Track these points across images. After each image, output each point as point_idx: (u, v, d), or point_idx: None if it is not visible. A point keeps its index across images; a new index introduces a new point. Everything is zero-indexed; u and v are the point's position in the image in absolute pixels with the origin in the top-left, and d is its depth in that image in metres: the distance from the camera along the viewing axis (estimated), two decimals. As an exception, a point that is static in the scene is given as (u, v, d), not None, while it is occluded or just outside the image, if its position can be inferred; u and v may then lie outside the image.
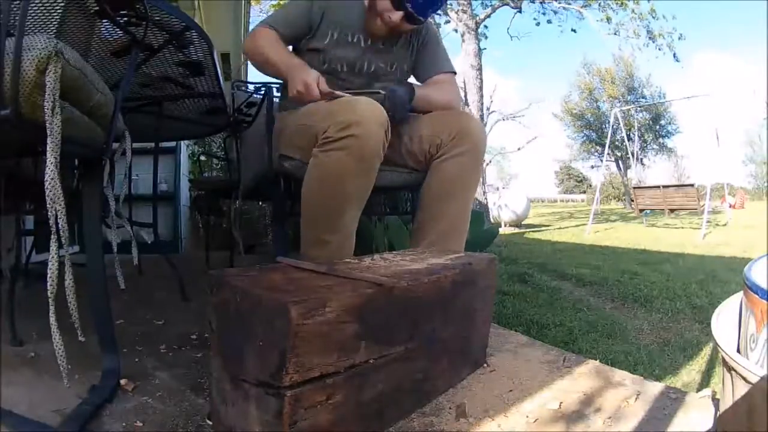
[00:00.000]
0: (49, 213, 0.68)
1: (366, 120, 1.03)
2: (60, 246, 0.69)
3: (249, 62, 1.48)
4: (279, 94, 1.53)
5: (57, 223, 0.69)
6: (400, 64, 1.39)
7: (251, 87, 2.20)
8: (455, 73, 1.44)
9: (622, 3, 8.62)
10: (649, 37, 8.86)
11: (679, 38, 8.93)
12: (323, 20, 1.30)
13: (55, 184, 0.68)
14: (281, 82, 1.40)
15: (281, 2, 7.38)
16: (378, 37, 1.31)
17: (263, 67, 1.28)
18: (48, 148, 0.66)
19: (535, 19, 9.23)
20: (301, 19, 1.30)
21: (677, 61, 9.15)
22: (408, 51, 1.40)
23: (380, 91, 1.24)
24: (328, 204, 1.09)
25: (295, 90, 1.15)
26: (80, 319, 0.77)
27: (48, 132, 0.65)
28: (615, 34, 9.07)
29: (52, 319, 0.67)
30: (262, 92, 1.85)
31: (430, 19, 1.38)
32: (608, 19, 8.87)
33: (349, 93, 1.17)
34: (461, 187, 1.23)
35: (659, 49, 8.96)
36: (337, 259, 0.99)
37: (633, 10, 8.65)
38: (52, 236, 0.69)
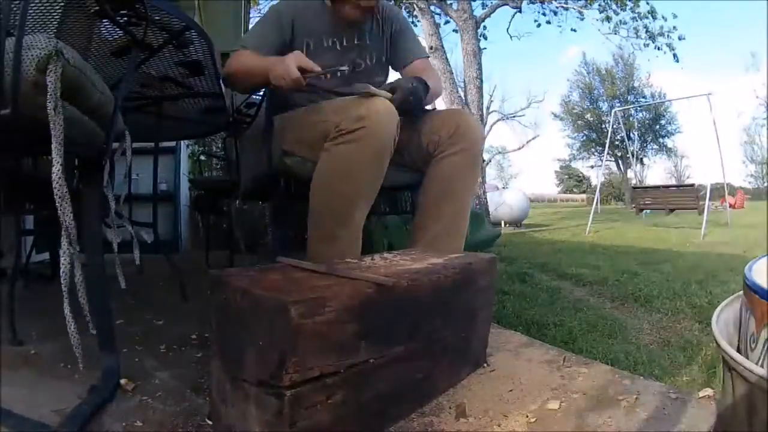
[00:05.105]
0: (59, 211, 0.69)
1: (378, 113, 1.05)
2: (70, 243, 0.71)
3: (232, 89, 1.47)
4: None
5: (66, 221, 0.71)
6: (379, 56, 1.42)
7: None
8: (428, 56, 1.50)
9: (621, 3, 8.61)
10: (649, 37, 8.86)
11: (680, 39, 8.93)
12: (294, 31, 1.31)
13: (62, 183, 0.69)
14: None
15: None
16: (352, 24, 1.32)
17: (247, 79, 1.26)
18: (53, 147, 0.67)
19: (535, 20, 9.24)
20: (274, 33, 1.31)
21: (677, 61, 9.15)
22: (382, 41, 1.42)
23: (390, 89, 1.22)
24: (339, 197, 1.09)
25: (278, 74, 1.12)
26: (80, 318, 0.77)
27: (52, 131, 0.66)
28: (615, 33, 9.08)
29: (67, 310, 0.69)
30: (262, 92, 1.85)
31: (401, 9, 1.41)
32: (608, 19, 8.88)
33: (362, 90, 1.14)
34: (459, 186, 1.23)
35: (659, 48, 8.96)
36: (347, 256, 0.99)
37: (632, 10, 8.64)
38: (63, 233, 0.71)
